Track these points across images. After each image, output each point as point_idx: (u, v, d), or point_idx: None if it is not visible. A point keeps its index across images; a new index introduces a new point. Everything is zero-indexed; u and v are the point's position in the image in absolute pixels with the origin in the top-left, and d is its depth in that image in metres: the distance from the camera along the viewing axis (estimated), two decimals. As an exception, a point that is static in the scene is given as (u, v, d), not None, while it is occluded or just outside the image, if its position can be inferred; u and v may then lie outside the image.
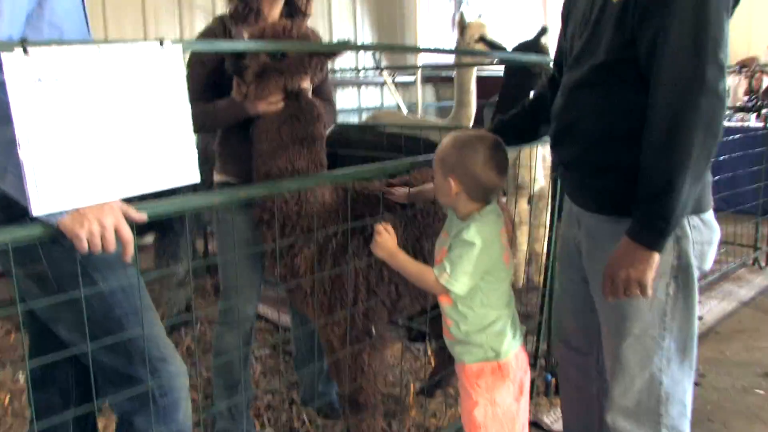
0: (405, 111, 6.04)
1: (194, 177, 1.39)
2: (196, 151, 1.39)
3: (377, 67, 6.07)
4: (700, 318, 3.51)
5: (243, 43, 1.92)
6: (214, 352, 2.43)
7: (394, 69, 6.41)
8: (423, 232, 2.20)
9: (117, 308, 1.55)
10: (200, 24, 5.15)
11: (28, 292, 1.57)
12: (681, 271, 1.62)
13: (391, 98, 6.43)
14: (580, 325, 1.91)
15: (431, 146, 2.82)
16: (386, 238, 1.86)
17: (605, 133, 1.63)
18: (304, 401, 2.79)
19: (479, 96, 4.10)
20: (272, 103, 2.05)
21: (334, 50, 2.14)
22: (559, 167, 1.87)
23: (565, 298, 1.97)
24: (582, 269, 1.82)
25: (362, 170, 1.90)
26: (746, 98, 6.64)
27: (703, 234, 1.64)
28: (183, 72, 1.36)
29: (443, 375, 2.79)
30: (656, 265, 1.53)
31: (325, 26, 6.50)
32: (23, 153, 1.15)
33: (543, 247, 3.58)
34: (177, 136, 1.36)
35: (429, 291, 1.89)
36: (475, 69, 4.24)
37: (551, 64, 2.14)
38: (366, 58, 6.70)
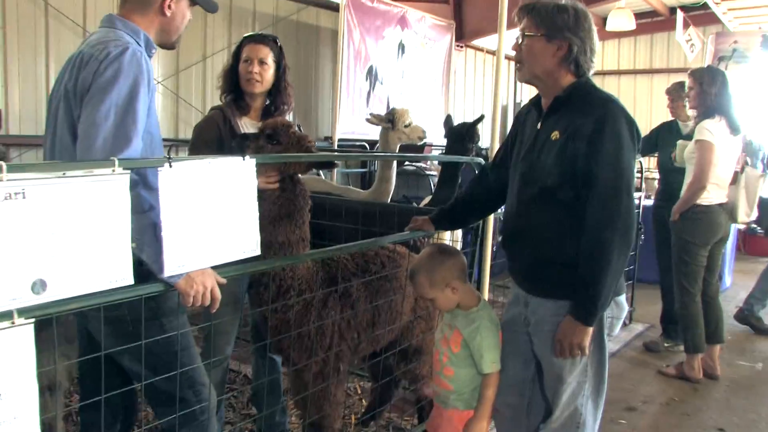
0: (323, 177, 6.64)
1: (257, 250, 1.95)
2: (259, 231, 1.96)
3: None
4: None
5: (285, 156, 2.53)
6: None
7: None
8: (378, 290, 2.81)
9: (175, 345, 2.04)
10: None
11: (97, 330, 2.00)
12: (597, 336, 2.19)
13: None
14: (518, 379, 2.38)
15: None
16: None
17: (547, 237, 2.20)
18: (260, 430, 3.27)
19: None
20: (268, 182, 2.50)
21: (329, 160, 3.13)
22: (508, 261, 2.44)
23: (508, 360, 2.37)
24: (528, 334, 2.32)
25: (343, 247, 2.62)
26: None
27: (614, 311, 2.28)
28: (255, 177, 1.93)
29: (377, 411, 3.40)
30: (591, 334, 2.12)
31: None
32: (165, 233, 1.68)
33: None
34: (247, 221, 1.92)
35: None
36: (397, 148, 4.95)
37: (489, 163, 2.80)
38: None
